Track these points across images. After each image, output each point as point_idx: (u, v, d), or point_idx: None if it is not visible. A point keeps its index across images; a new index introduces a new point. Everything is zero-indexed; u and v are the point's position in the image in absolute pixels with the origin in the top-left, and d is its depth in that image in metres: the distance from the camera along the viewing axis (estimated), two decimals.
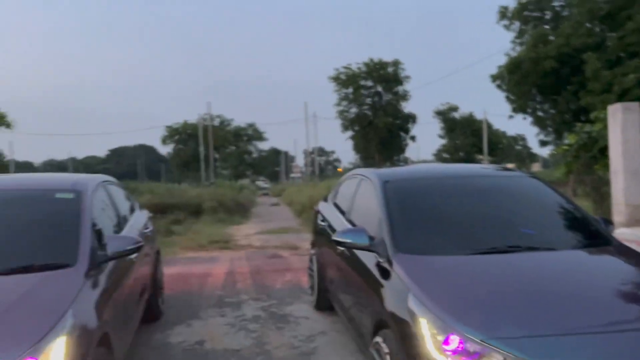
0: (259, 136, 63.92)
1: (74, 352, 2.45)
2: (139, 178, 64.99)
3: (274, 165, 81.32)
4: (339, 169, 74.72)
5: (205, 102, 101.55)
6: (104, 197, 4.24)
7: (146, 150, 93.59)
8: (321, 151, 75.85)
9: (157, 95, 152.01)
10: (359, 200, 4.47)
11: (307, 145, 57.89)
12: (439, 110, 51.98)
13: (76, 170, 72.97)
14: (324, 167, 77.58)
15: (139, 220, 5.21)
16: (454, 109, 52.13)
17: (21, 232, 3.38)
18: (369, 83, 45.36)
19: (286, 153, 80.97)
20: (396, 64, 45.24)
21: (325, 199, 5.98)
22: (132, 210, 5.23)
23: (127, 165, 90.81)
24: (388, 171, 4.66)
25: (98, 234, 3.47)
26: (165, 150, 66.77)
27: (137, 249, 3.57)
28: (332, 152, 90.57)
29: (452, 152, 51.34)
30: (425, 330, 2.60)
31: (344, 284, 4.28)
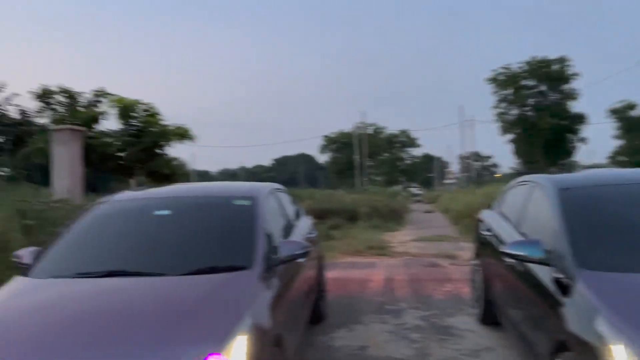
0: (411, 142, 63.51)
1: (253, 350, 2.60)
2: (299, 185, 68.59)
3: (426, 171, 79.92)
4: (497, 175, 70.98)
5: (360, 111, 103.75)
6: (275, 204, 4.51)
7: (306, 159, 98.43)
8: (477, 156, 72.67)
9: (317, 106, 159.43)
10: (530, 209, 4.15)
11: (462, 150, 55.92)
12: (613, 109, 46.62)
13: (246, 178, 79.53)
14: (480, 173, 74.18)
15: (304, 225, 5.46)
16: (632, 106, 46.32)
17: (204, 236, 3.71)
18: (531, 82, 42.38)
19: (439, 159, 79.19)
20: (562, 60, 41.63)
21: (490, 207, 5.69)
22: (297, 215, 5.50)
23: (289, 173, 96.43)
24: (563, 177, 4.28)
25: (270, 238, 3.70)
26: (322, 158, 69.63)
27: (306, 253, 3.72)
28: (489, 157, 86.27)
29: (630, 154, 45.62)
30: (621, 356, 2.31)
31: (515, 298, 4.01)
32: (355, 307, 6.11)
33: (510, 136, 44.00)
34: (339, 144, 60.24)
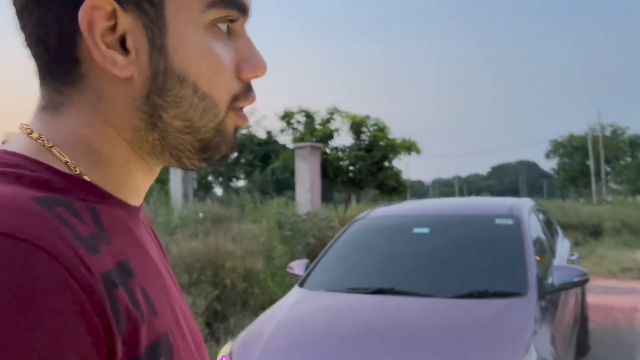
0: None
1: None
2: (520, 195, 64.21)
3: None
4: None
5: (595, 110, 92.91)
6: (536, 223, 4.14)
7: (527, 166, 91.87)
8: None
9: (540, 109, 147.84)
10: None
11: None
12: None
13: (461, 187, 77.58)
14: None
15: (564, 245, 4.93)
16: None
17: (468, 257, 3.56)
18: None
19: None
20: None
21: None
22: (555, 234, 5.00)
23: (508, 182, 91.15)
24: None
25: (540, 262, 3.38)
26: (548, 165, 64.02)
27: (585, 281, 3.31)
28: None
29: None
30: None
31: None
32: (625, 340, 5.28)
33: None
34: (569, 148, 54.55)
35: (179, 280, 5.13)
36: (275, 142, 17.96)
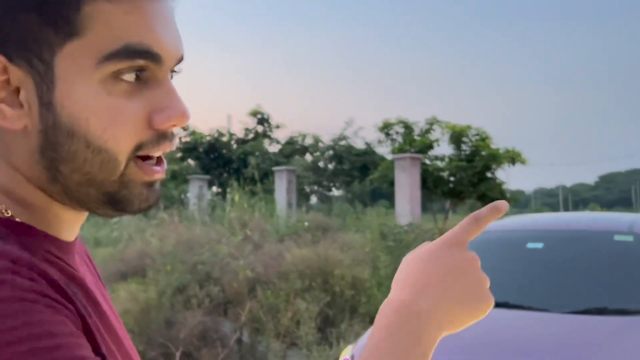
0: None
1: None
2: (633, 207, 59.33)
3: None
4: None
5: None
6: None
7: None
8: None
9: None
10: None
11: None
12: None
13: (565, 197, 73.14)
14: None
15: None
16: None
17: (586, 272, 3.53)
18: None
19: None
20: None
21: None
22: None
23: (617, 192, 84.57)
24: None
25: None
26: None
27: None
28: None
29: None
30: None
31: None
32: None
33: None
34: None
35: (292, 287, 5.48)
36: (374, 153, 18.30)
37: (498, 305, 3.11)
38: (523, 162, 11.40)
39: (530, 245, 3.88)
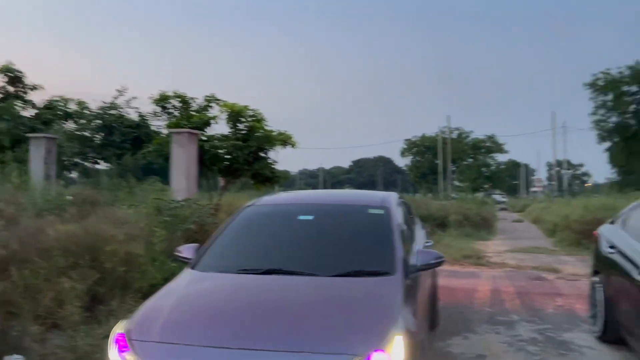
0: (498, 148, 61.49)
1: (407, 349, 2.87)
2: (377, 188, 68.52)
3: (511, 178, 76.92)
4: (588, 184, 67.17)
5: (445, 115, 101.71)
6: (401, 213, 4.77)
7: (384, 162, 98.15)
8: (568, 164, 68.98)
9: (398, 110, 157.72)
10: None
11: (553, 158, 53.30)
12: None
13: (324, 179, 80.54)
14: (570, 182, 70.30)
15: (421, 234, 5.68)
16: None
17: (347, 241, 4.04)
18: (634, 88, 39.78)
19: (526, 166, 75.94)
20: None
21: (612, 223, 5.62)
22: (414, 224, 5.73)
23: (366, 175, 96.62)
24: None
25: (405, 246, 3.96)
26: (402, 162, 69.11)
27: (440, 263, 3.95)
28: (580, 165, 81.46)
29: None
30: None
31: None
32: (467, 316, 6.24)
33: (606, 144, 41.55)
34: (421, 147, 59.57)
35: (55, 265, 4.99)
36: (148, 126, 17.39)
37: (273, 272, 3.39)
38: (293, 144, 12.18)
39: (302, 217, 4.28)
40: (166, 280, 4.52)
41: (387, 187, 77.44)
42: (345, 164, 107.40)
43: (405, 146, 61.96)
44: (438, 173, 47.44)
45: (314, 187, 63.79)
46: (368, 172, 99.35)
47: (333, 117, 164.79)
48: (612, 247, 5.13)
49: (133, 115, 18.77)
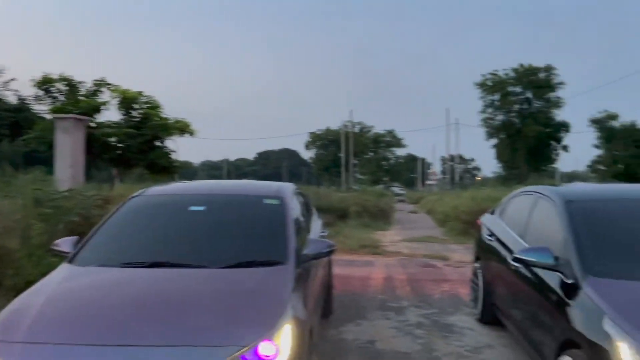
0: (397, 143, 64.17)
1: (295, 338, 2.88)
2: (282, 180, 68.77)
3: (409, 171, 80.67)
4: (478, 178, 72.15)
5: (347, 109, 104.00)
6: (297, 204, 4.78)
7: (290, 154, 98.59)
8: (460, 159, 73.61)
9: (303, 103, 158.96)
10: (535, 218, 4.49)
11: (447, 153, 56.66)
12: (595, 119, 47.71)
13: (228, 170, 79.28)
14: (462, 176, 75.14)
15: (317, 224, 5.74)
16: (613, 117, 47.41)
17: (240, 232, 3.96)
18: (518, 89, 43.26)
19: (423, 160, 79.99)
20: (548, 69, 42.61)
21: (492, 212, 6.03)
22: (310, 214, 5.77)
23: (272, 167, 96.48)
24: (567, 190, 4.60)
25: (299, 236, 3.96)
26: (307, 154, 69.91)
27: (332, 252, 4.00)
28: (472, 160, 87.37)
29: (608, 164, 46.76)
30: (625, 354, 2.64)
31: (519, 300, 4.34)
32: (359, 303, 6.41)
33: (494, 141, 44.84)
34: (325, 141, 60.60)
35: None
36: (30, 110, 15.90)
37: (160, 265, 3.22)
38: (192, 133, 11.83)
39: (193, 208, 4.13)
40: (44, 276, 4.18)
41: (293, 179, 77.91)
42: (251, 155, 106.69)
43: (310, 139, 62.79)
44: (341, 166, 48.52)
45: (218, 178, 62.65)
46: (273, 165, 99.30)
47: (239, 108, 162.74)
48: (490, 234, 5.50)
49: (12, 99, 17.18)
